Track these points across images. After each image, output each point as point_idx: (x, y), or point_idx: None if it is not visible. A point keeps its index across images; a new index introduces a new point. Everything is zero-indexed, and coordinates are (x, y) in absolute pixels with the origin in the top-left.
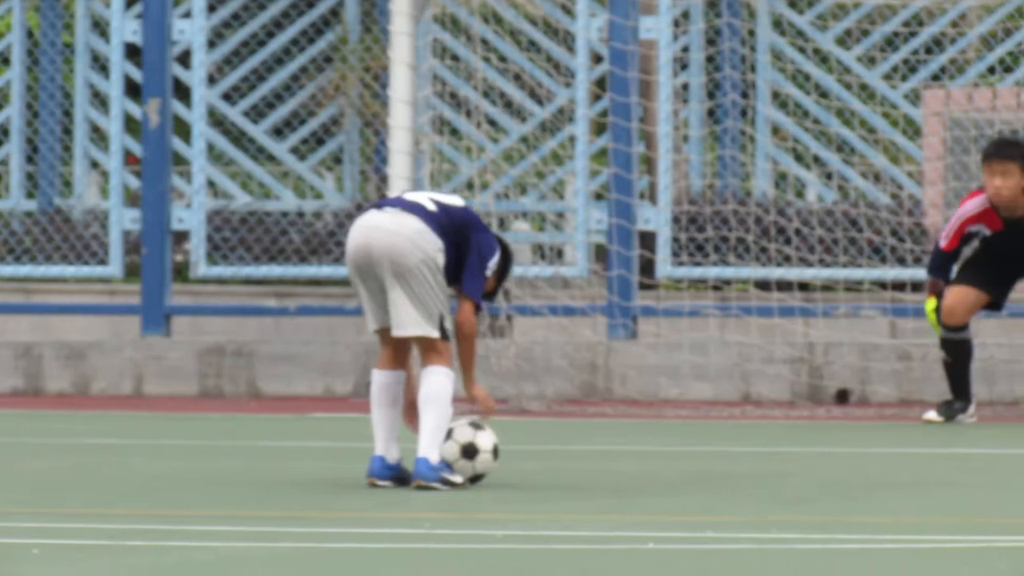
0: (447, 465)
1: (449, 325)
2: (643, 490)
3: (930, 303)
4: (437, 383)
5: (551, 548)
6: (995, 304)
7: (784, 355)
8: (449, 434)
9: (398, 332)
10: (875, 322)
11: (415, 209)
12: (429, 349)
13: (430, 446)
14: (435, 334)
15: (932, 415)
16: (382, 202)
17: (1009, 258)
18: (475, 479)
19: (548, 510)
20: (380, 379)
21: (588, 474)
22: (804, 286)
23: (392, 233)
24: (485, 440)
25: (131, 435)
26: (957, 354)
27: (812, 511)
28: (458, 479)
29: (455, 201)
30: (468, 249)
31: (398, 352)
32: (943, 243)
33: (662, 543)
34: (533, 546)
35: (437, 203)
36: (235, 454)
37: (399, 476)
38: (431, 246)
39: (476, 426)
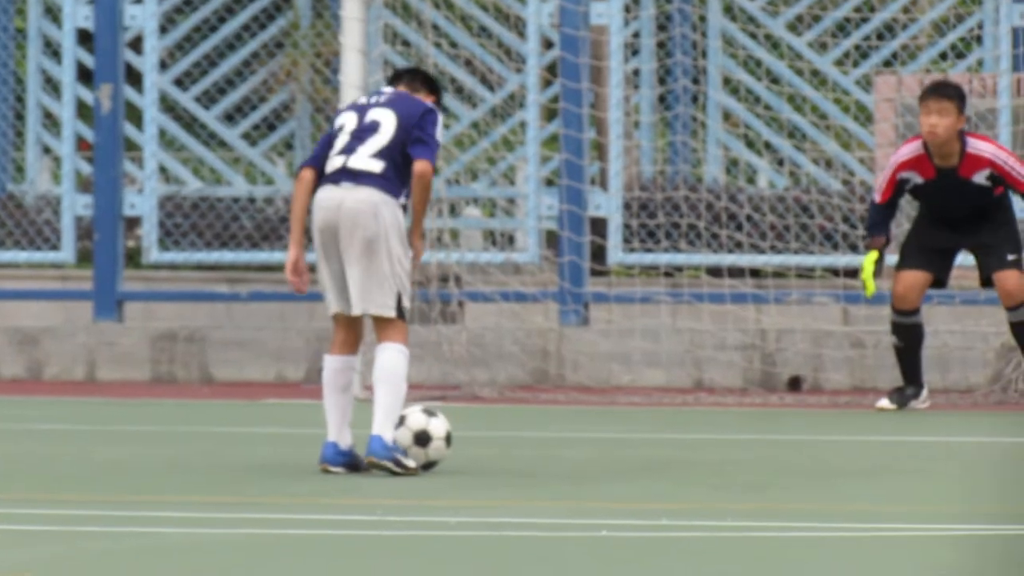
0: (402, 449)
1: (407, 303)
2: (596, 477)
3: (870, 256)
4: (392, 360)
5: (505, 535)
6: (940, 282)
7: (736, 342)
8: (402, 421)
9: (356, 310)
10: (827, 309)
11: (368, 180)
12: (386, 326)
13: (384, 424)
14: (392, 313)
15: (885, 403)
16: (336, 176)
17: (943, 223)
18: (428, 466)
19: (501, 497)
20: (332, 364)
21: (541, 461)
22: (756, 272)
23: (355, 211)
24: (438, 427)
25: (84, 421)
26: (909, 339)
27: (765, 498)
28: (411, 463)
29: (386, 135)
30: (415, 135)
31: (350, 337)
32: (877, 197)
33: (616, 530)
34: (487, 533)
35: (380, 156)
36: (188, 440)
37: (352, 462)
38: (394, 210)
39: (429, 413)
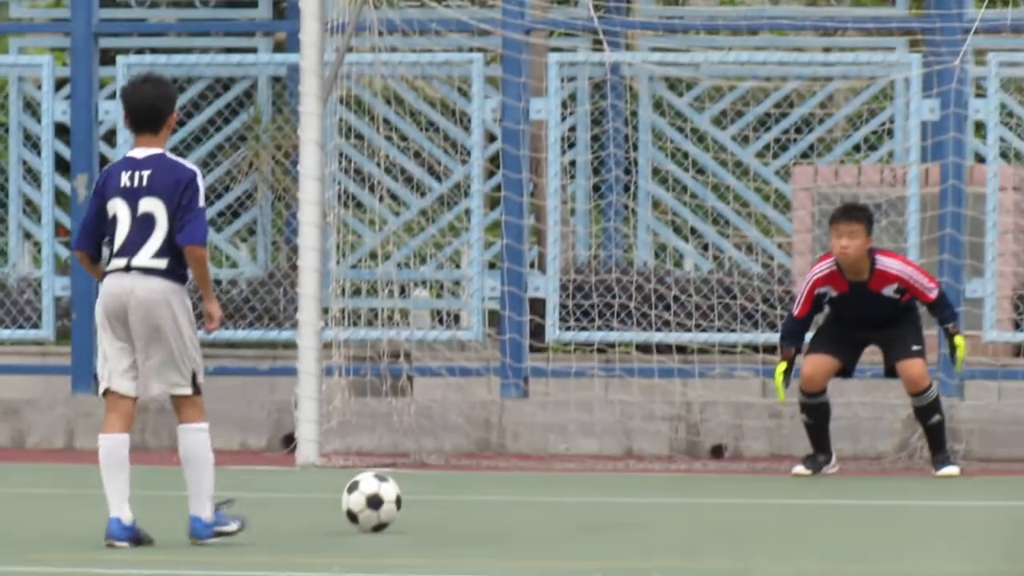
0: (221, 515)
1: (202, 380)
2: (535, 538)
3: (780, 366)
4: (196, 442)
5: None
6: (846, 371)
7: (664, 413)
8: (355, 486)
9: (154, 391)
10: (748, 383)
11: (155, 272)
12: (184, 404)
13: (200, 505)
14: (189, 391)
15: (801, 469)
16: (127, 266)
17: (855, 325)
18: (379, 528)
19: (448, 556)
20: (108, 443)
21: (484, 523)
22: (682, 349)
23: (147, 300)
24: (389, 491)
25: (64, 486)
26: (816, 417)
27: (691, 557)
28: (233, 527)
29: (161, 232)
30: (186, 217)
31: (124, 416)
32: (796, 310)
33: None
34: None
35: (161, 254)
36: (159, 504)
37: (136, 537)
38: (183, 297)
39: (381, 478)
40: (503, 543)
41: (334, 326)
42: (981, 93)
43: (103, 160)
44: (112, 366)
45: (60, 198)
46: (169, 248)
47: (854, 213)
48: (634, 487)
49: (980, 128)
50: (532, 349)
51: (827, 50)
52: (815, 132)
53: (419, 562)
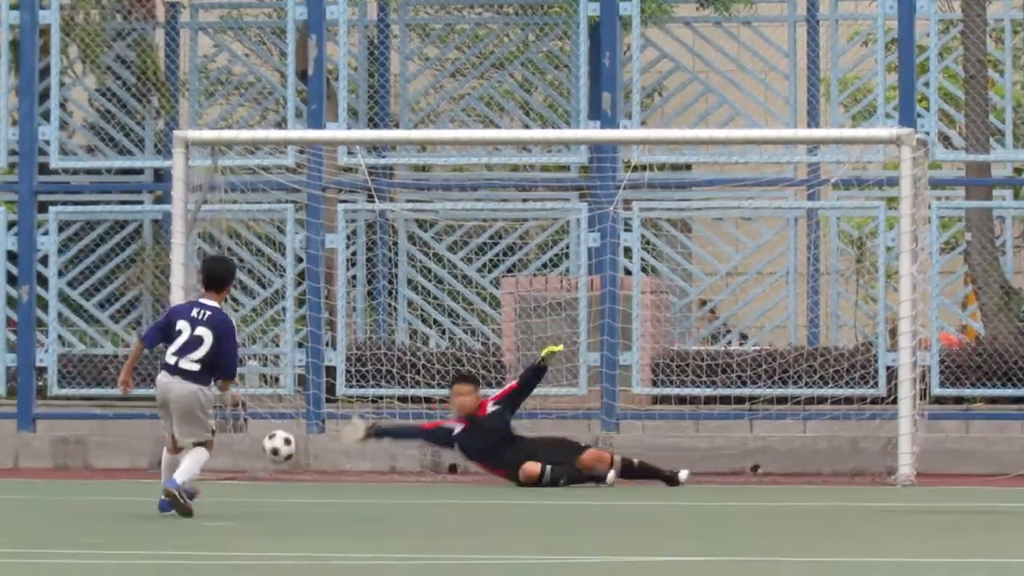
0: (189, 485)
1: (216, 432)
2: (330, 525)
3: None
4: (200, 454)
5: (275, 564)
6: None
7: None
8: (274, 435)
9: (183, 441)
10: None
11: (188, 376)
12: (201, 444)
13: (182, 476)
14: (207, 437)
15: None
16: (171, 369)
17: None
18: (288, 458)
19: (276, 536)
20: (166, 456)
21: (298, 516)
22: (428, 399)
23: (180, 394)
24: (289, 436)
25: (13, 493)
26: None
27: (436, 536)
28: (194, 492)
29: (204, 349)
30: (223, 351)
31: (171, 443)
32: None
33: (338, 559)
34: (262, 563)
35: (199, 362)
36: (75, 505)
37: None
38: (203, 396)
39: (286, 434)
40: (311, 528)
41: None
42: (628, 229)
43: (39, 276)
44: (166, 424)
45: (10, 301)
46: (204, 361)
47: (466, 378)
48: (396, 492)
49: (628, 252)
50: (327, 400)
51: (524, 200)
52: (517, 255)
53: (260, 541)
